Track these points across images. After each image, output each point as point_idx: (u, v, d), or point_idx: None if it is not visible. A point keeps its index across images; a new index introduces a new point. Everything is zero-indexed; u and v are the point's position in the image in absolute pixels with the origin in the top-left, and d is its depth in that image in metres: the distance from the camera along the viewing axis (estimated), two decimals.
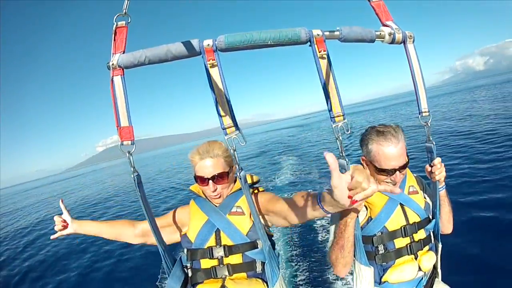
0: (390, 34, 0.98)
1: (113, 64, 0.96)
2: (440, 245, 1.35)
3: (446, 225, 1.37)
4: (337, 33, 0.95)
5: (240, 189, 1.28)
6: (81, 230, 1.39)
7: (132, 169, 0.98)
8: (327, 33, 0.94)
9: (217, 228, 1.21)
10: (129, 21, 0.99)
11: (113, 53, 0.98)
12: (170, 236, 1.33)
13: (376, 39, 0.98)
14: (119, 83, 0.97)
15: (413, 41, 1.04)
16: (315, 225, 5.05)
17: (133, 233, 1.39)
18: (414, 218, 1.28)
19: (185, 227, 1.32)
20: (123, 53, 0.98)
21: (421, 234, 1.29)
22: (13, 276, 6.03)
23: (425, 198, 1.36)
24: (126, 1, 0.95)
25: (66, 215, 1.38)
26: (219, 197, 1.25)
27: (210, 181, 1.21)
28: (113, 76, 0.96)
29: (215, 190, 1.23)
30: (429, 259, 1.28)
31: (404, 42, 1.02)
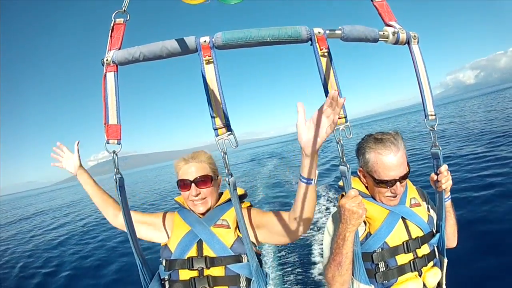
0: (394, 33, 0.95)
1: (107, 60, 0.93)
2: (445, 260, 1.27)
3: (451, 238, 1.30)
4: (339, 31, 0.92)
5: (228, 201, 1.24)
6: (79, 178, 1.45)
7: (115, 170, 0.92)
8: (328, 31, 0.91)
9: (200, 239, 1.16)
10: (127, 18, 0.96)
11: (108, 50, 0.95)
12: (147, 233, 1.27)
13: (380, 39, 0.95)
14: (112, 79, 0.93)
15: (418, 42, 1.00)
16: (309, 240, 4.88)
17: (116, 218, 1.36)
18: (417, 232, 1.21)
19: (165, 233, 1.26)
20: (119, 50, 0.96)
21: (424, 249, 1.21)
22: None
23: (428, 211, 1.29)
24: None
25: (76, 157, 1.44)
26: (203, 203, 1.21)
27: (193, 184, 1.18)
28: (106, 72, 0.93)
29: (197, 195, 1.19)
30: (434, 275, 1.20)
31: (408, 42, 0.99)
